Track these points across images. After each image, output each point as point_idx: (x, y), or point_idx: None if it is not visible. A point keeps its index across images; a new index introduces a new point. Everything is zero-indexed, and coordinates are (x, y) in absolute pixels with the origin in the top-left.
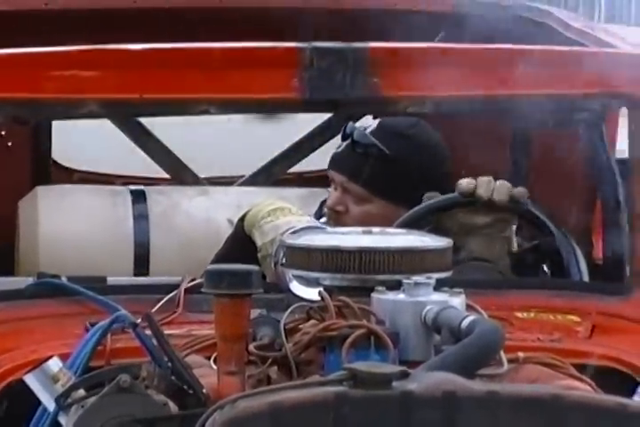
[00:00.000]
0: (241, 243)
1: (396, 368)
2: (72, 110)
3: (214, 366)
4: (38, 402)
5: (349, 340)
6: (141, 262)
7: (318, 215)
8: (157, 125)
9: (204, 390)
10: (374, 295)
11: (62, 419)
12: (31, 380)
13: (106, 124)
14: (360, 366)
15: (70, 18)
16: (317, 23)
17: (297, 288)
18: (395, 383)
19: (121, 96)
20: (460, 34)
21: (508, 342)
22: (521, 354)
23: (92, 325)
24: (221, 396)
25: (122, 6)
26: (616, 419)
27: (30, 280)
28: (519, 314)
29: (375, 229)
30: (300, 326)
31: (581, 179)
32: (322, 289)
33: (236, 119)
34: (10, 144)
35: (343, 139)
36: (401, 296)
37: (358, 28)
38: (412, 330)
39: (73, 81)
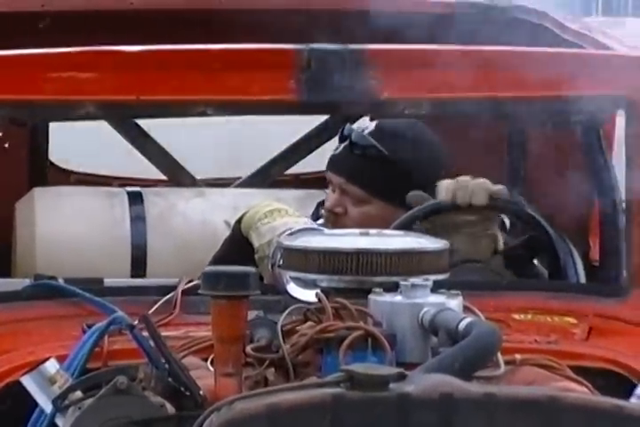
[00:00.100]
0: (238, 245)
1: (394, 370)
2: (69, 112)
3: (211, 368)
4: (35, 404)
5: (347, 342)
6: (138, 264)
7: (315, 217)
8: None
9: (201, 392)
10: (371, 297)
11: (59, 421)
12: (28, 381)
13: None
14: (357, 367)
15: (67, 19)
16: (316, 25)
17: (294, 290)
18: (392, 385)
19: (118, 98)
20: (457, 36)
21: (505, 343)
22: (518, 356)
23: (90, 326)
24: (218, 398)
25: (119, 8)
26: (612, 421)
27: (27, 282)
28: (516, 316)
29: (372, 231)
30: (298, 327)
31: (578, 181)
32: (319, 291)
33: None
34: (7, 146)
35: (341, 140)
36: (398, 298)
37: (357, 30)
38: (409, 332)
39: (70, 82)
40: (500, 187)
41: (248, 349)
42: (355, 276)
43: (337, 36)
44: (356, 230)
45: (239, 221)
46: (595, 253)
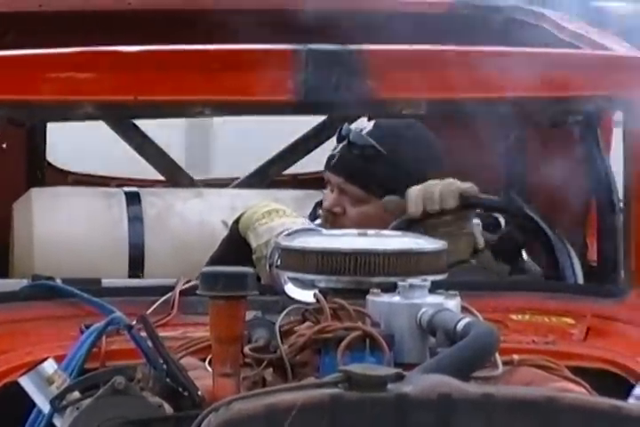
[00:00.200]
0: (236, 245)
1: (392, 371)
2: (67, 112)
3: (209, 369)
4: (33, 404)
5: (345, 342)
6: (136, 264)
7: (313, 217)
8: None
9: (199, 392)
10: (369, 298)
11: (57, 421)
12: (26, 382)
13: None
14: (355, 368)
15: (64, 19)
16: (313, 25)
17: (292, 290)
18: (390, 386)
19: (116, 98)
20: (454, 36)
21: (503, 344)
22: (516, 356)
23: (87, 327)
24: (216, 398)
25: (116, 8)
26: (610, 421)
27: (25, 282)
28: (514, 316)
29: (370, 232)
30: (296, 328)
31: (576, 181)
32: (317, 291)
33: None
34: (4, 146)
35: (338, 141)
36: (396, 298)
37: (354, 31)
38: (407, 332)
39: (68, 83)
40: (468, 185)
41: (246, 349)
42: (353, 276)
43: (336, 36)
44: (354, 231)
45: (237, 222)
46: (592, 254)
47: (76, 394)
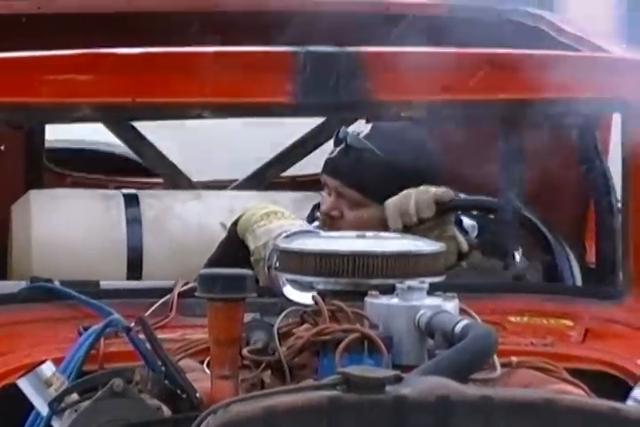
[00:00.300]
0: (234, 247)
1: (390, 373)
2: (66, 114)
3: (207, 371)
4: (31, 406)
5: (343, 344)
6: (134, 266)
7: (311, 219)
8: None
9: (198, 395)
10: (368, 299)
11: (55, 423)
12: (24, 384)
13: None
14: (353, 370)
15: (63, 21)
16: (311, 27)
17: (290, 292)
18: (388, 388)
19: (114, 100)
20: (452, 38)
21: (502, 346)
22: (514, 358)
23: (86, 329)
24: (215, 400)
25: (114, 10)
26: (609, 423)
27: (23, 284)
28: (512, 318)
29: (369, 234)
30: (294, 330)
31: (574, 183)
32: (315, 293)
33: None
34: (3, 148)
35: (336, 144)
36: (394, 300)
37: (351, 32)
38: (405, 334)
39: (66, 85)
40: (442, 190)
41: (244, 351)
42: (351, 278)
43: (335, 38)
44: (353, 233)
45: (235, 224)
46: (591, 256)
47: (75, 396)
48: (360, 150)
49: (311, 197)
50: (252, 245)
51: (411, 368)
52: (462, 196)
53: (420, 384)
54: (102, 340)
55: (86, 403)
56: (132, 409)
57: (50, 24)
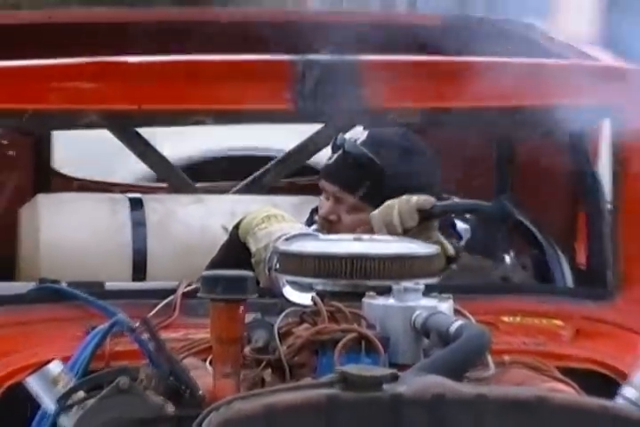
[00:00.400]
0: (235, 249)
1: (387, 371)
2: (73, 121)
3: (210, 369)
4: (39, 405)
5: (341, 343)
6: (139, 268)
7: (309, 223)
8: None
9: (201, 392)
10: (365, 300)
11: (63, 420)
12: (33, 382)
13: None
14: (351, 369)
15: (73, 31)
16: (309, 36)
17: (290, 293)
18: (385, 386)
19: (120, 107)
20: (447, 47)
21: (495, 345)
22: (507, 357)
23: (92, 328)
24: (217, 397)
25: (121, 20)
26: (599, 421)
27: (31, 285)
28: (505, 318)
29: (366, 236)
30: (294, 329)
31: (565, 187)
32: (314, 294)
33: None
34: (11, 153)
35: (333, 150)
36: (391, 301)
37: (347, 42)
38: (401, 334)
39: (74, 92)
40: (423, 197)
41: (246, 350)
42: (349, 280)
43: (333, 47)
44: (350, 236)
45: (236, 227)
46: (581, 258)
47: (81, 394)
48: (357, 156)
49: (310, 201)
50: (253, 248)
51: (407, 367)
52: (456, 200)
53: (416, 383)
54: (108, 339)
55: (93, 400)
56: (137, 406)
57: (60, 33)
